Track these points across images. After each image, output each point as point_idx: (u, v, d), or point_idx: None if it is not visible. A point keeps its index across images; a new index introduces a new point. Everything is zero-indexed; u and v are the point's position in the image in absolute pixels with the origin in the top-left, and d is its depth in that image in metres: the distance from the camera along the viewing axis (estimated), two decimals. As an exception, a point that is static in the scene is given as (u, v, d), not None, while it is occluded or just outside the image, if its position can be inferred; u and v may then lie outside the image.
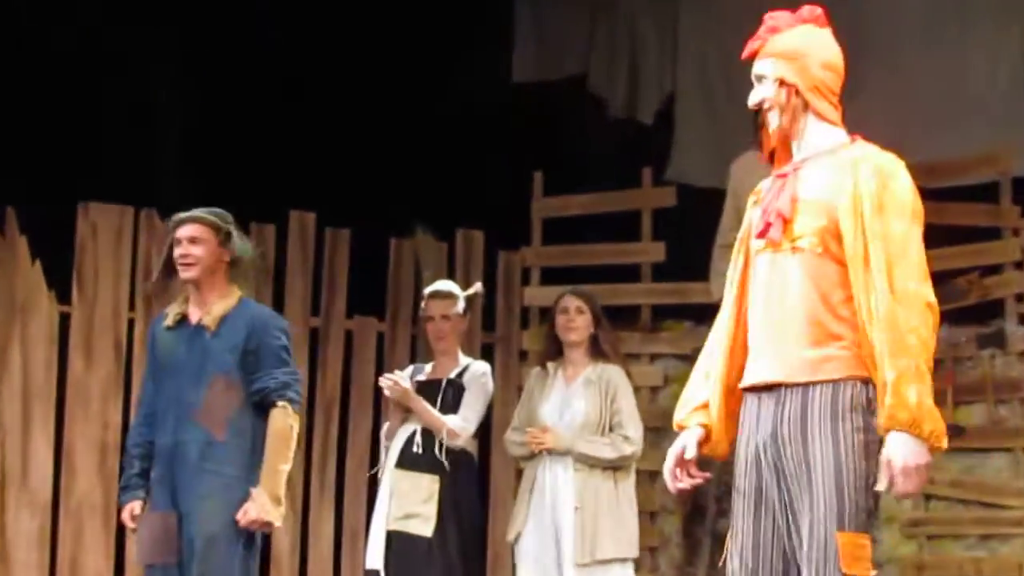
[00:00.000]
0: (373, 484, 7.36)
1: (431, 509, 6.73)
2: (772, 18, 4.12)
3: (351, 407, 8.67)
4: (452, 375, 6.92)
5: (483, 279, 8.28)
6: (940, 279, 7.97)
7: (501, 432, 8.05)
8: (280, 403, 5.64)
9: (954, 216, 8.52)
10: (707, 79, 9.43)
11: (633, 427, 6.77)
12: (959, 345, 8.48)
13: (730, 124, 8.84)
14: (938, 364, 8.02)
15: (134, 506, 5.79)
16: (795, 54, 4.04)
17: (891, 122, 8.44)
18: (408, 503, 6.76)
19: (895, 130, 8.61)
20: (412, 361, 7.77)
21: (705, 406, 4.09)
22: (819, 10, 4.15)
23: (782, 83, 4.03)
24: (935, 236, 7.72)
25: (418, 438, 6.79)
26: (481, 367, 7.06)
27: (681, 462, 4.06)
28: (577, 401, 6.91)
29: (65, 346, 8.12)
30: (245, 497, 5.60)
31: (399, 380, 6.89)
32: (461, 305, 7.05)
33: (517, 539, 6.87)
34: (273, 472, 5.56)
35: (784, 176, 4.01)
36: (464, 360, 7.04)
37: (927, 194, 7.83)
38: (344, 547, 8.48)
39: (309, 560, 8.47)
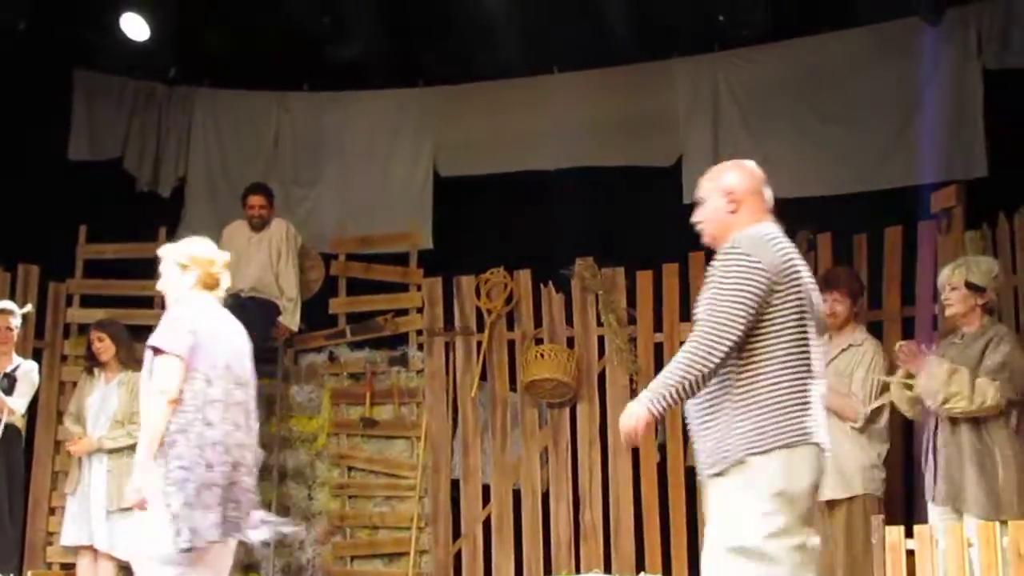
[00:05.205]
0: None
1: (-11, 465, 7.29)
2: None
3: (-70, 393, 8.64)
4: (8, 370, 7.66)
5: (36, 302, 9.09)
6: (367, 316, 9.68)
7: (44, 412, 9.06)
8: None
9: (380, 274, 9.71)
10: (210, 167, 10.21)
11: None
12: (376, 363, 9.54)
13: (225, 200, 9.93)
14: (360, 376, 9.39)
15: None
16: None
17: (340, 204, 9.98)
18: (-27, 460, 7.27)
19: (343, 209, 9.84)
20: (-25, 360, 7.83)
21: None
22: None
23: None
24: (366, 287, 9.68)
25: (-18, 414, 7.34)
26: (30, 364, 7.84)
27: None
28: (112, 397, 7.98)
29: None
30: None
31: None
32: (18, 320, 7.87)
33: (73, 491, 7.89)
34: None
35: None
36: (17, 359, 7.76)
37: (362, 258, 9.72)
38: (-82, 494, 8.15)
39: None
